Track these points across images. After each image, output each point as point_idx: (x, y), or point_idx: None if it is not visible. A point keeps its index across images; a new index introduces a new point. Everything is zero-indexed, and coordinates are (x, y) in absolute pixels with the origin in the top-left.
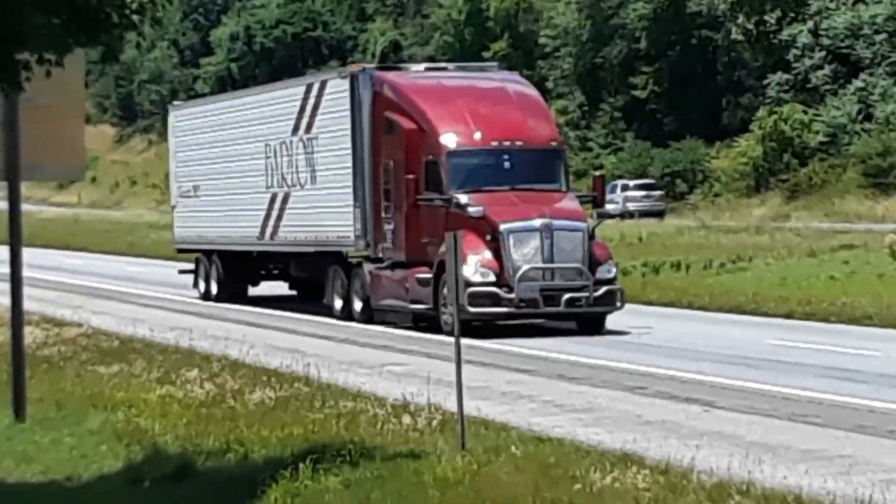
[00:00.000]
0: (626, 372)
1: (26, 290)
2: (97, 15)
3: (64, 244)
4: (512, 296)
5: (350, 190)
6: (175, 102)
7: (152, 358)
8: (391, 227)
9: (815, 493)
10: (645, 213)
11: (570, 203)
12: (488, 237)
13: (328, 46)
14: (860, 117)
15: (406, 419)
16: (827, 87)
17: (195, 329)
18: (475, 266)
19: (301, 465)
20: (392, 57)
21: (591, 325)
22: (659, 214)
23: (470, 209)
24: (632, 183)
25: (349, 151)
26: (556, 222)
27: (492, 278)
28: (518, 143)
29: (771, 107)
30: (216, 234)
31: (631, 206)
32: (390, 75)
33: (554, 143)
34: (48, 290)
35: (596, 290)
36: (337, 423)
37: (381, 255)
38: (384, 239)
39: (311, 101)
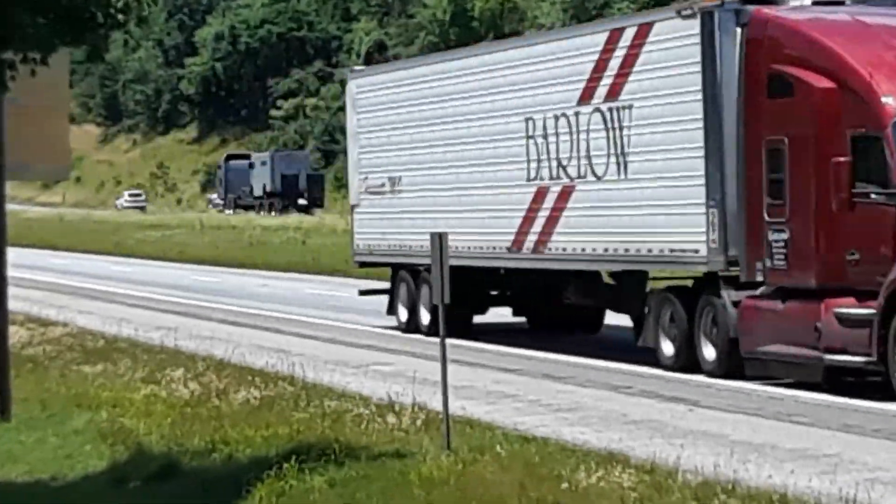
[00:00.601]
0: (612, 371)
1: (11, 290)
2: (83, 14)
3: (49, 244)
4: None
5: (700, 181)
6: (356, 68)
7: (137, 357)
8: (783, 236)
9: (800, 492)
10: None
11: None
12: None
13: (313, 46)
14: None
15: (391, 418)
16: None
17: (180, 328)
18: None
19: (286, 465)
20: (377, 57)
21: None
22: None
23: None
24: None
25: (699, 125)
26: None
27: None
28: None
29: None
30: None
31: None
32: (773, 10)
33: None
34: (33, 289)
35: None
36: (322, 422)
37: (759, 276)
38: (767, 254)
39: (620, 53)
